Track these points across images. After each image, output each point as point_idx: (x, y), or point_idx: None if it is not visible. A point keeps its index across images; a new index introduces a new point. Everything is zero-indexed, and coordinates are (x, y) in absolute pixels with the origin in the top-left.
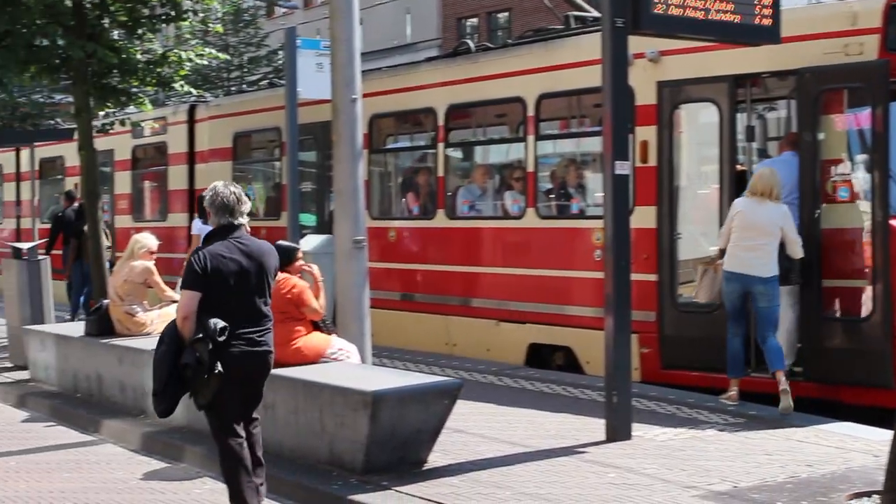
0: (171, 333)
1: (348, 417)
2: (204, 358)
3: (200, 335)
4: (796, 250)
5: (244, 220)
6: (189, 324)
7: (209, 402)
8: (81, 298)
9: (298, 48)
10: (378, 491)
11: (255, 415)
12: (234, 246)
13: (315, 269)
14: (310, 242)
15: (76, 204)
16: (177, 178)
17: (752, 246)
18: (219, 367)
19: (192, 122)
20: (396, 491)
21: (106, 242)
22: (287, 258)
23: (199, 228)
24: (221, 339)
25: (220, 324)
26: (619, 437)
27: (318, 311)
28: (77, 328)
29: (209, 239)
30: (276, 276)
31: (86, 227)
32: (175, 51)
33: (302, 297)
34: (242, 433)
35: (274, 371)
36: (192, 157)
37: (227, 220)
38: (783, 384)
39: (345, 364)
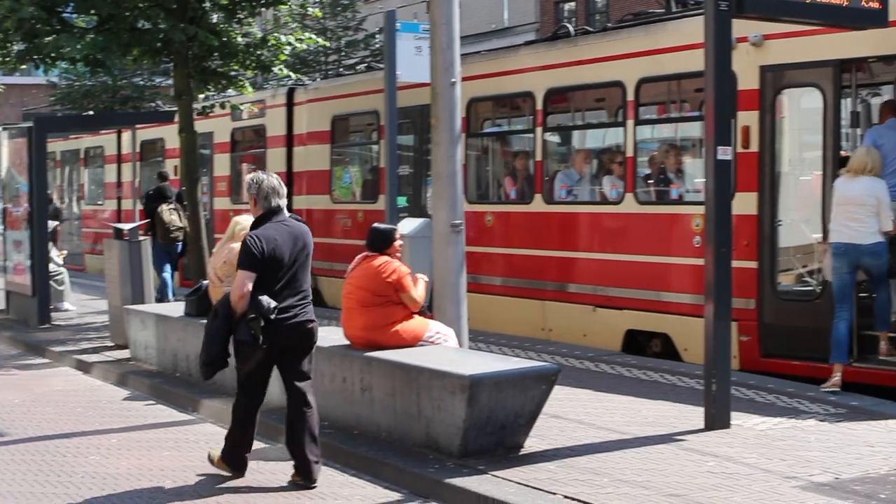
0: (225, 308)
1: (445, 401)
2: (258, 335)
3: (254, 315)
4: (886, 223)
5: (284, 203)
6: (244, 302)
7: (251, 370)
8: (164, 276)
9: (398, 32)
10: (474, 475)
11: (309, 398)
12: (281, 228)
13: (425, 278)
14: (407, 226)
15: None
16: (275, 160)
17: (851, 217)
18: (265, 344)
19: (290, 105)
20: (493, 475)
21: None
22: (385, 241)
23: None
24: (272, 317)
25: (273, 303)
26: (718, 425)
27: (416, 301)
28: (177, 308)
29: (258, 223)
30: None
31: (163, 206)
32: (275, 35)
33: (402, 283)
34: (262, 397)
35: (371, 353)
36: (290, 140)
37: (273, 204)
38: (883, 345)
39: (442, 348)
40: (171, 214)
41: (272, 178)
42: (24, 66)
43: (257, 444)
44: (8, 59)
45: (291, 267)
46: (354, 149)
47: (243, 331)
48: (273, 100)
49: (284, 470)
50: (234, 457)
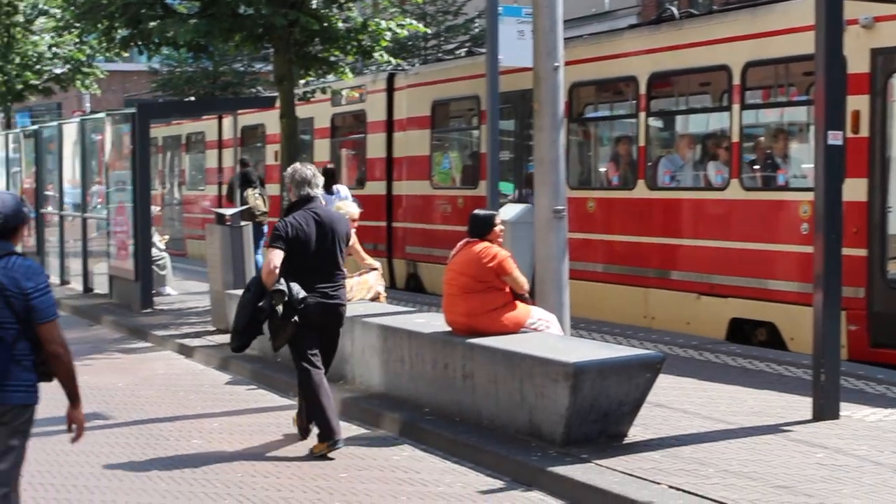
0: (257, 283)
1: (548, 388)
2: (276, 306)
3: (282, 289)
4: None
5: (319, 192)
6: (273, 277)
7: (283, 345)
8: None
9: (500, 15)
10: (578, 463)
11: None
12: (310, 215)
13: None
14: (509, 212)
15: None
16: (375, 146)
17: None
18: (296, 318)
19: (390, 90)
20: (596, 464)
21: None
22: (486, 227)
23: None
24: (300, 307)
25: (301, 293)
26: (827, 416)
27: (521, 284)
28: None
29: (290, 209)
30: (348, 240)
31: (249, 191)
32: (375, 20)
33: (503, 266)
34: (320, 364)
35: (473, 340)
36: (390, 126)
37: (305, 192)
38: None
39: (545, 335)
40: (255, 199)
41: (305, 169)
42: (126, 53)
43: (358, 430)
44: (112, 44)
45: (320, 251)
46: (454, 134)
47: (266, 299)
48: (373, 85)
49: (387, 455)
50: (326, 430)
